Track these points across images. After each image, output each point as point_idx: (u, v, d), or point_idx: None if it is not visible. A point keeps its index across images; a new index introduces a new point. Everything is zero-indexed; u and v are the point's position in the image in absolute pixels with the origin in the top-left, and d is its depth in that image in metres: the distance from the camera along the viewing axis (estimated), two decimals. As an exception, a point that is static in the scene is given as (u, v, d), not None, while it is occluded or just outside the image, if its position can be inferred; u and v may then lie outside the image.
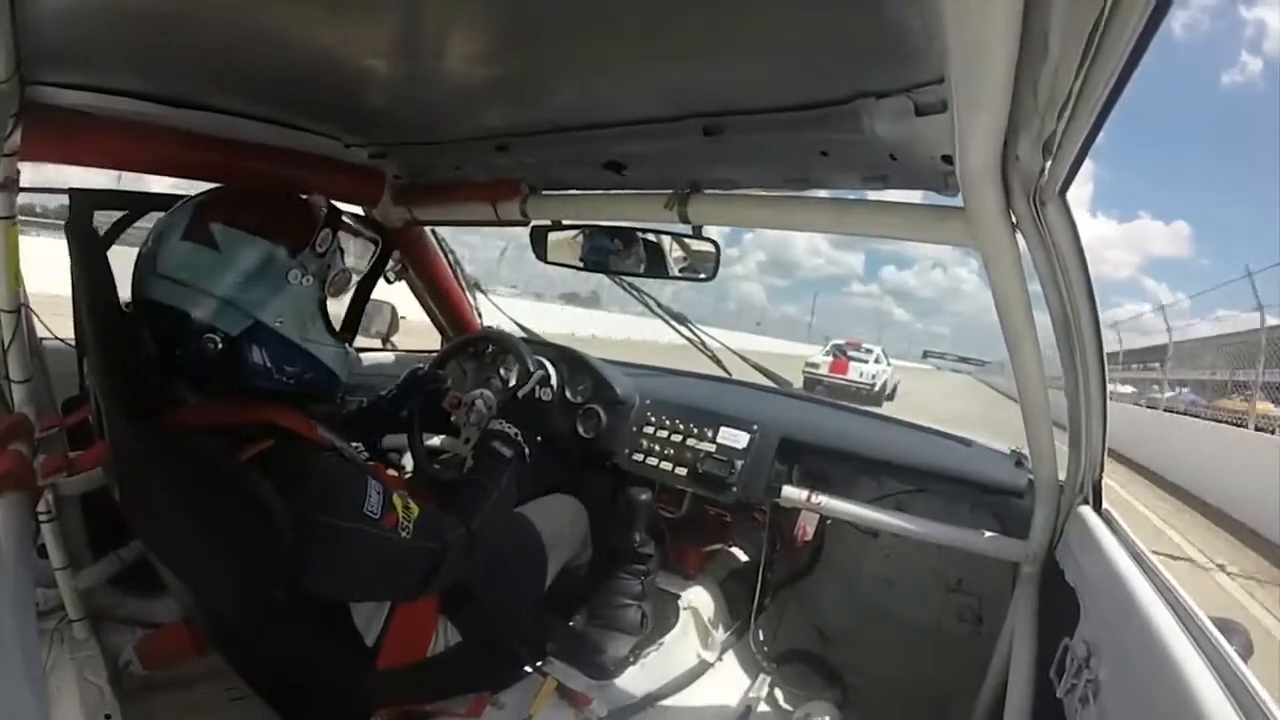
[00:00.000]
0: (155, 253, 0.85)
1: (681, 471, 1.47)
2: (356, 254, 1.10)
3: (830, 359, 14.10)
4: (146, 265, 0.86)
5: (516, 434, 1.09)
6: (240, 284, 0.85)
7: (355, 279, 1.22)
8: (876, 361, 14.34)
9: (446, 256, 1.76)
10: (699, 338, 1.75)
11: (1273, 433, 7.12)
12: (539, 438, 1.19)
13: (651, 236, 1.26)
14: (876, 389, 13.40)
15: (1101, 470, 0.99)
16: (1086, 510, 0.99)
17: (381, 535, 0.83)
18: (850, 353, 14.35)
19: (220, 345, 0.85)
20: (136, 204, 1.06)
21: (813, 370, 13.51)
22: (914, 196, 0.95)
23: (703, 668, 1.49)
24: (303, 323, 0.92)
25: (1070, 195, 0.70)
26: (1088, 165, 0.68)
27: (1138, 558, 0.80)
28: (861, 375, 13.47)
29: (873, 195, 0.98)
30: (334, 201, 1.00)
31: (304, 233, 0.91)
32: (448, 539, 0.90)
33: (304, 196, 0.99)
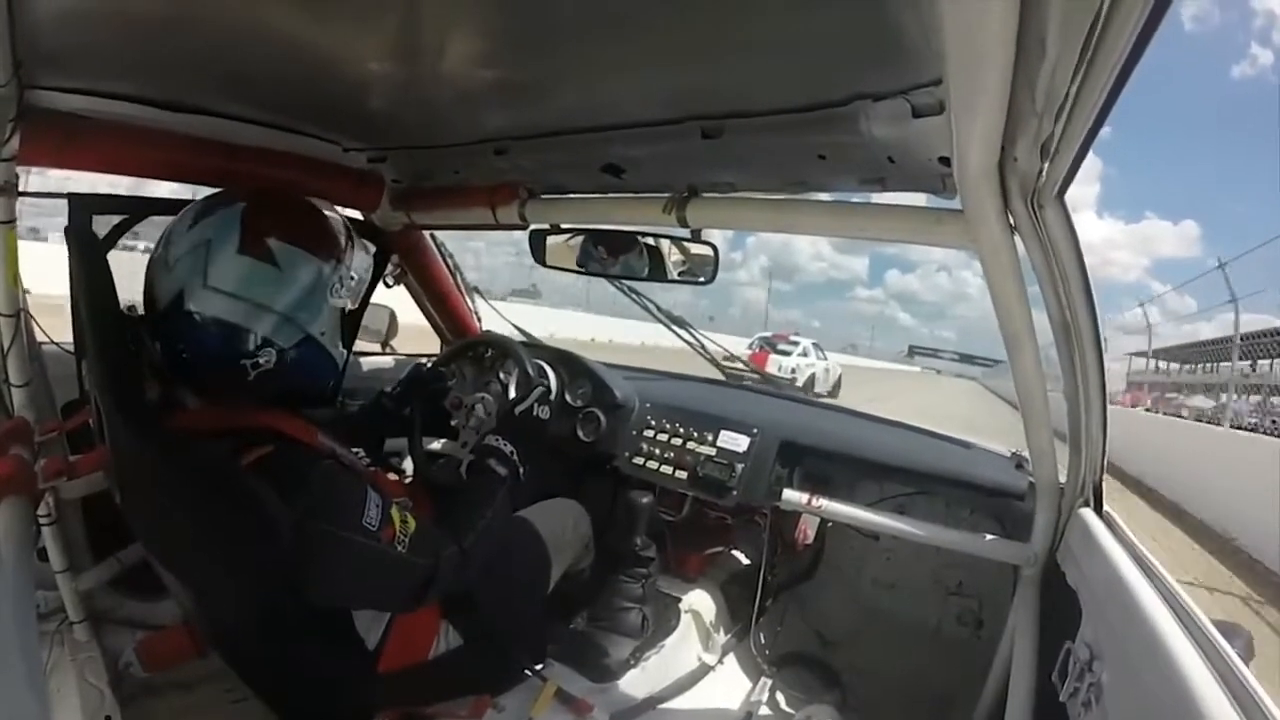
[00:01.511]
0: (205, 265, 0.82)
1: (682, 475, 1.47)
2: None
3: (751, 351, 13.79)
4: (192, 277, 0.82)
5: (512, 452, 1.09)
6: (299, 300, 0.87)
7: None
8: (803, 354, 14.25)
9: (446, 261, 1.76)
10: (698, 341, 1.74)
11: None
12: (537, 448, 1.19)
13: (650, 240, 1.26)
14: (799, 383, 13.09)
15: (1102, 472, 0.99)
16: (1087, 512, 0.99)
17: (378, 548, 0.83)
18: (779, 345, 14.27)
19: (275, 360, 0.86)
20: (136, 208, 1.06)
21: (730, 364, 13.29)
22: (913, 199, 0.94)
23: (703, 671, 1.49)
24: (336, 333, 0.94)
25: (1073, 196, 0.70)
26: (1093, 164, 0.68)
27: (1139, 560, 0.79)
28: (780, 369, 13.10)
29: (871, 198, 0.98)
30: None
31: (341, 247, 0.93)
32: (441, 556, 0.90)
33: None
